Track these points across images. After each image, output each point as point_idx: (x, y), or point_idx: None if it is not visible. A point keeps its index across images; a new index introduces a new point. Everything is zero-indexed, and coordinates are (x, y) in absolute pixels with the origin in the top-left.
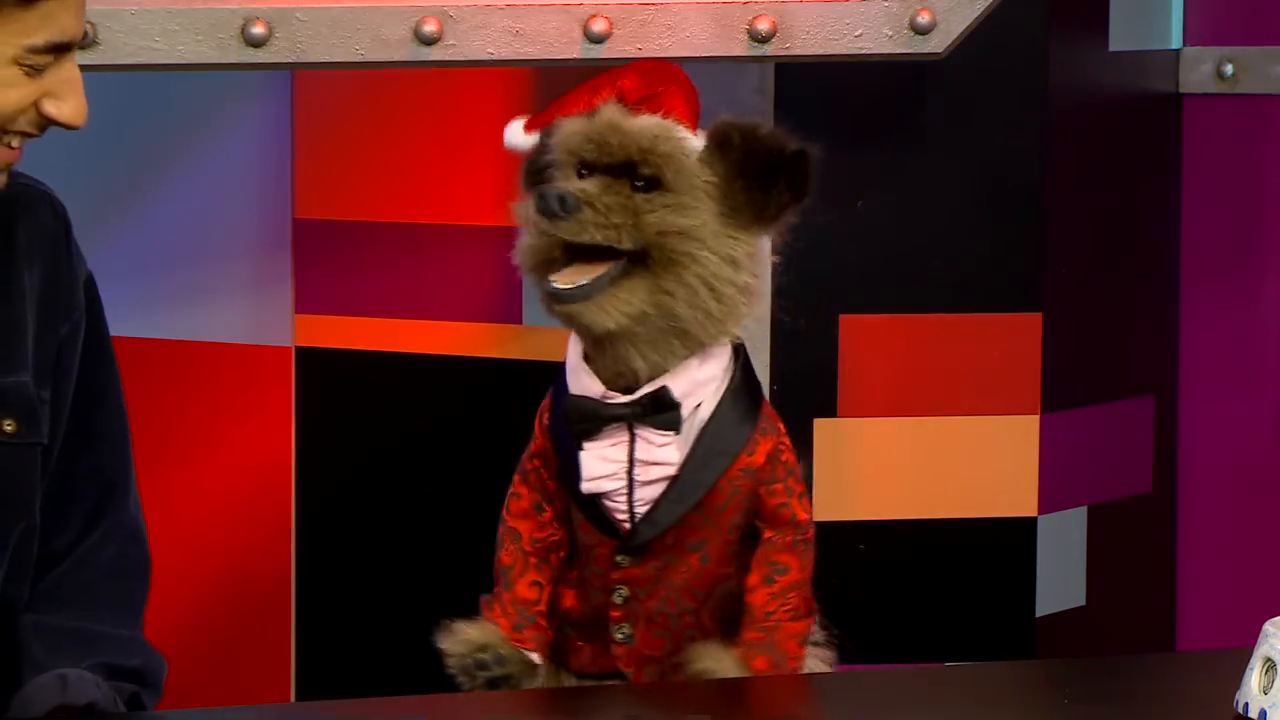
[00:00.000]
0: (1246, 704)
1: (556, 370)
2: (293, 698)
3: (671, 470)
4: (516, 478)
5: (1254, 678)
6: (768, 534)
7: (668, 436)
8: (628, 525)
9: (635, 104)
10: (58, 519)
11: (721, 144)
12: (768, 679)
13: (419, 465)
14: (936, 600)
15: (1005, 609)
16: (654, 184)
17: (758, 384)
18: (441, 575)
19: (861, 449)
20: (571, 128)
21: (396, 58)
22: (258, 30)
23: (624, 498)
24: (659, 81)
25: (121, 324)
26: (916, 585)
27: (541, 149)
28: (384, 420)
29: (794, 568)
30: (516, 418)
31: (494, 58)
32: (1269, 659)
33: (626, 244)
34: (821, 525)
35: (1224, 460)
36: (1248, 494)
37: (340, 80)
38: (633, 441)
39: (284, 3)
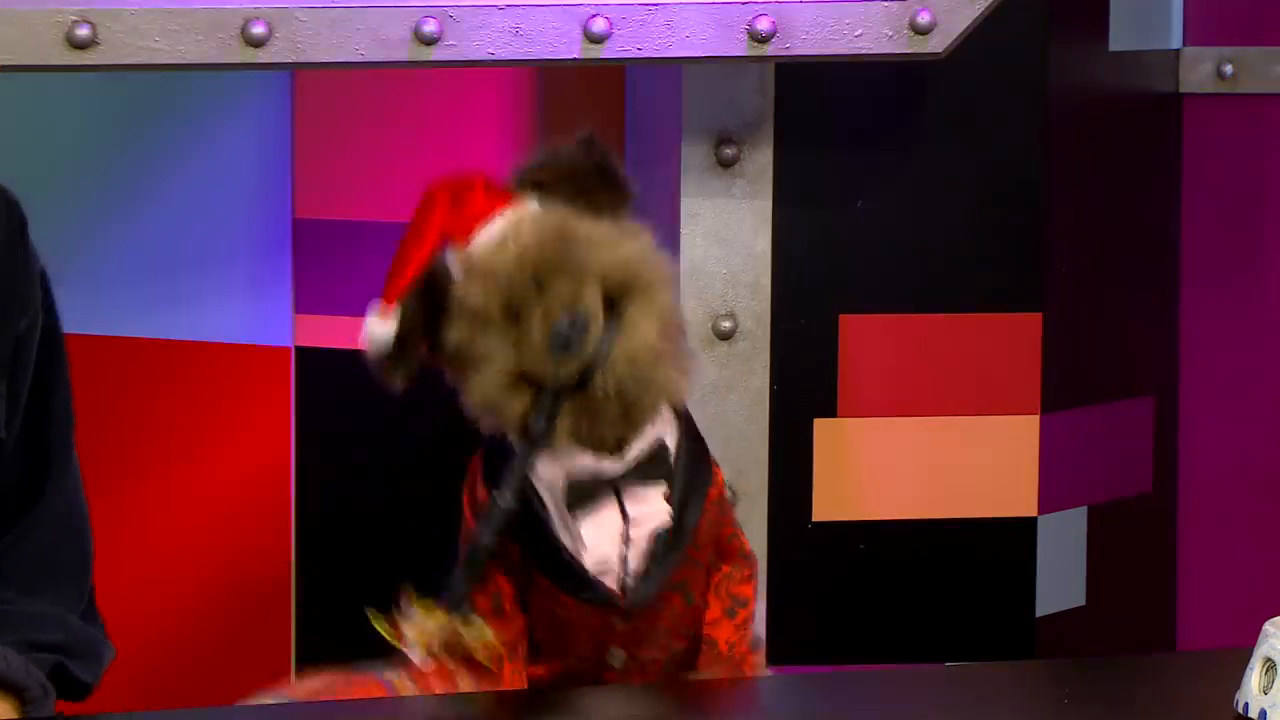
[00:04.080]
0: (1246, 704)
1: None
2: None
3: (665, 519)
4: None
5: (1254, 678)
6: (725, 568)
7: (659, 486)
8: (619, 590)
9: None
10: None
11: None
12: (769, 679)
13: (419, 465)
14: (936, 600)
15: (1005, 609)
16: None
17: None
18: (442, 575)
19: (861, 449)
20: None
21: (396, 58)
22: (258, 30)
23: (617, 561)
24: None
25: (120, 324)
26: (916, 585)
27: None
28: (384, 420)
29: (751, 599)
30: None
31: (494, 58)
32: (1269, 659)
33: None
34: (821, 525)
35: (1224, 460)
36: (1248, 494)
37: (340, 80)
38: (621, 500)
39: (284, 3)
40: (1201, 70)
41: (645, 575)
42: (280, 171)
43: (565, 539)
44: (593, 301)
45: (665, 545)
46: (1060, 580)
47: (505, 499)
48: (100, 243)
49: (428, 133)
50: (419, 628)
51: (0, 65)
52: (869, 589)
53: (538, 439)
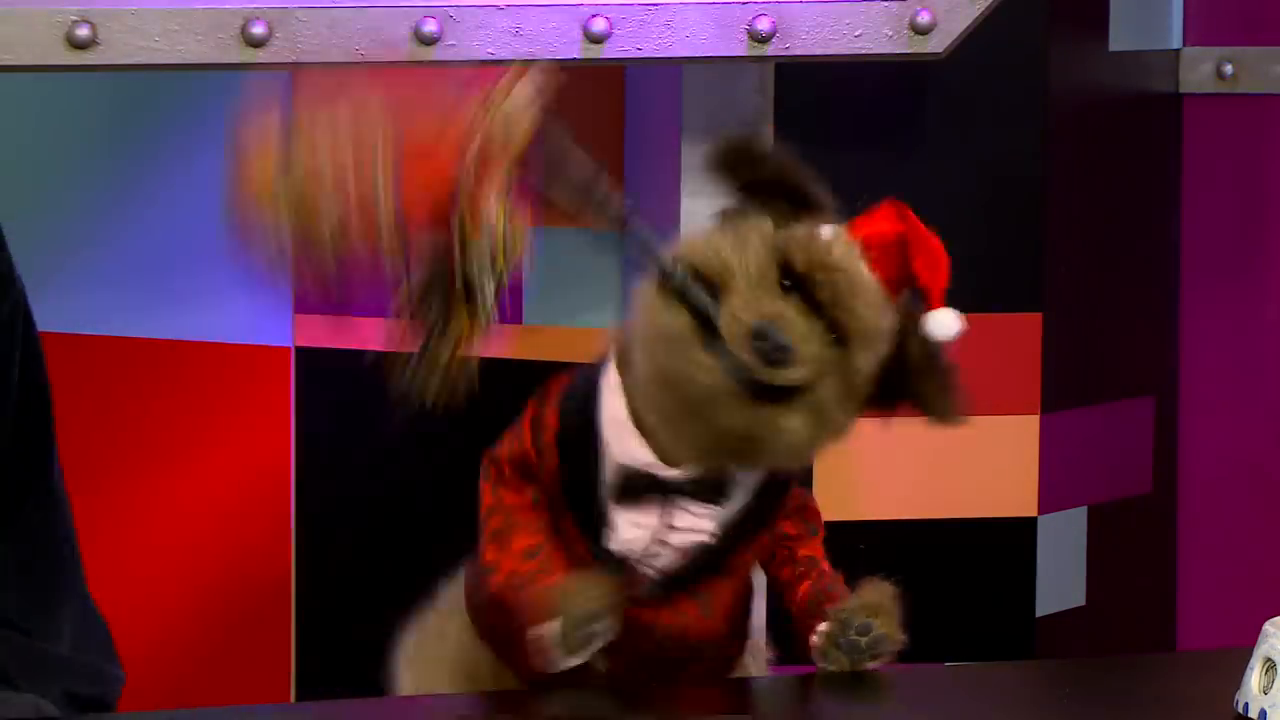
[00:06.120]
0: (1246, 704)
1: (560, 370)
2: (293, 698)
3: (704, 539)
4: (493, 484)
5: (1254, 678)
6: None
7: (710, 509)
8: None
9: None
10: None
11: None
12: (769, 679)
13: (419, 465)
14: (936, 600)
15: (1005, 609)
16: (842, 342)
17: None
18: (442, 575)
19: (861, 449)
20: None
21: (396, 58)
22: (258, 30)
23: (643, 554)
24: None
25: (120, 324)
26: (916, 585)
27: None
28: (384, 420)
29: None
30: (517, 418)
31: (494, 58)
32: (1269, 659)
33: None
34: None
35: (1224, 460)
36: (1248, 494)
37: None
38: (667, 508)
39: (284, 3)
40: (1201, 70)
41: (669, 578)
42: None
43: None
44: (818, 344)
45: (698, 564)
46: (1060, 580)
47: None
48: (100, 242)
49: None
50: None
51: (0, 65)
52: None
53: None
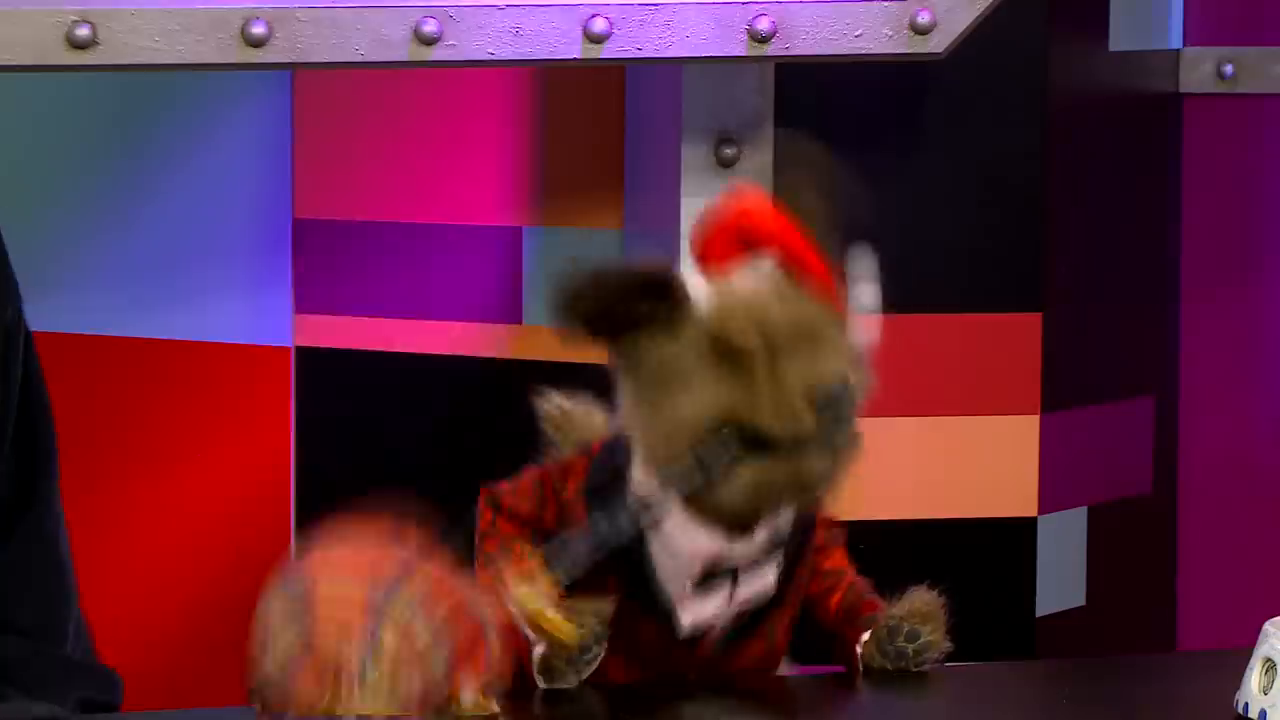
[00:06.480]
0: (1246, 704)
1: (555, 373)
2: None
3: (771, 590)
4: (493, 514)
5: (1254, 678)
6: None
7: (773, 561)
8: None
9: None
10: None
11: None
12: (763, 679)
13: (419, 465)
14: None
15: (1005, 609)
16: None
17: None
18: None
19: (861, 449)
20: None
21: (396, 58)
22: (258, 30)
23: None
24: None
25: (120, 324)
26: (916, 585)
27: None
28: (384, 420)
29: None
30: (516, 418)
31: (494, 58)
32: (1269, 659)
33: None
34: None
35: (1224, 460)
36: (1248, 494)
37: (340, 80)
38: (736, 577)
39: (284, 3)
40: (1201, 70)
41: (735, 632)
42: (280, 171)
43: (672, 589)
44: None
45: (761, 611)
46: (1060, 580)
47: (614, 528)
48: (100, 242)
49: (428, 133)
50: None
51: (0, 65)
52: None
53: (704, 474)
